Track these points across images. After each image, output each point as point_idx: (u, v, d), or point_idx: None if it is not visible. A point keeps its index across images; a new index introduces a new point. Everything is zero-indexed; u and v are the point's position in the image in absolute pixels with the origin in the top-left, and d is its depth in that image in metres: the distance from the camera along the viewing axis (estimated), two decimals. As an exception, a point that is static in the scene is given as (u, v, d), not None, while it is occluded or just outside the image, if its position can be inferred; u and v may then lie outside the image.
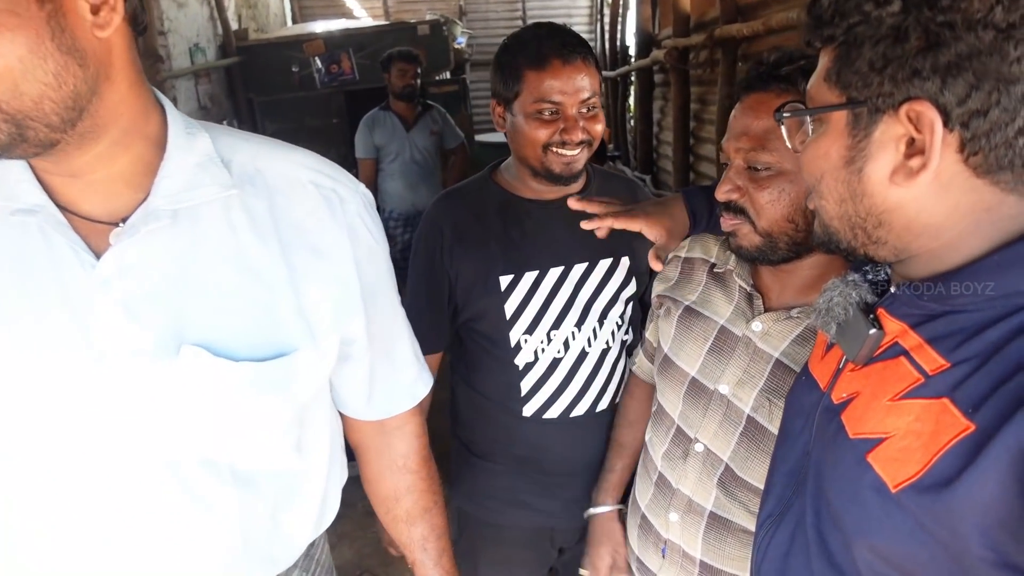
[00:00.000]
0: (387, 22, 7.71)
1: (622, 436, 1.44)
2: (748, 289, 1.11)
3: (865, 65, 0.62)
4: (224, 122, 5.39)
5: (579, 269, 1.44)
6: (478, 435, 1.55)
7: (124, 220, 0.76)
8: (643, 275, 1.51)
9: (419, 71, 4.07)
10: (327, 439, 0.99)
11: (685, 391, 1.17)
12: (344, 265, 0.87)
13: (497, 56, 1.39)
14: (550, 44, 1.32)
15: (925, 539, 0.61)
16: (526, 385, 1.45)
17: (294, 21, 8.52)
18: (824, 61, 0.66)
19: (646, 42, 5.98)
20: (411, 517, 1.10)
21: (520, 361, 1.44)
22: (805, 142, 0.70)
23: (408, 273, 1.52)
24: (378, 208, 3.98)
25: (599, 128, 1.36)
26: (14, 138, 0.66)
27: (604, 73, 8.03)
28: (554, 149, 1.33)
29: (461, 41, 7.13)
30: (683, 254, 1.26)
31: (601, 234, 1.22)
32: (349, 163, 5.43)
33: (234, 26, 5.84)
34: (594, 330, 1.45)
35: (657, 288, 1.30)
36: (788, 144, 0.75)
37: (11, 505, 0.81)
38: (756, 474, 1.07)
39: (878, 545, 0.65)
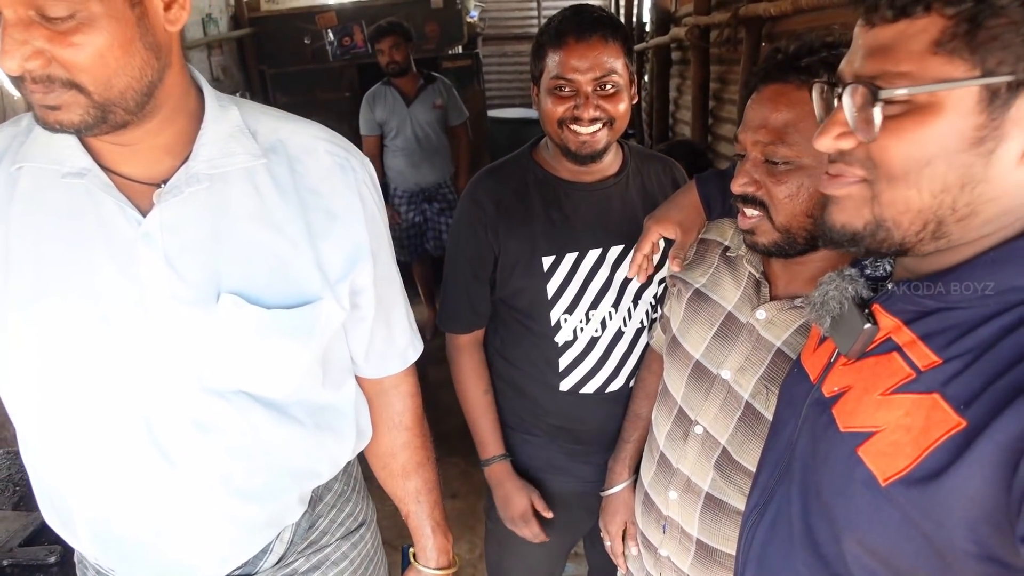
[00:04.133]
0: (400, -6, 7.59)
1: (639, 408, 1.47)
2: (757, 276, 1.11)
3: (1011, 33, 0.56)
4: (237, 94, 5.34)
5: (615, 251, 1.46)
6: (513, 406, 1.58)
7: (164, 182, 0.85)
8: None
9: (402, 42, 3.91)
10: (351, 378, 1.10)
11: (689, 373, 1.19)
12: (355, 224, 0.96)
13: (535, 38, 1.42)
14: (569, 23, 1.34)
15: (912, 533, 0.62)
16: (564, 361, 1.48)
17: (305, -8, 8.40)
18: (927, 30, 0.59)
19: (664, 19, 5.88)
20: (406, 471, 1.19)
21: (560, 339, 1.48)
22: (878, 127, 0.62)
23: (448, 253, 1.56)
24: (384, 185, 3.94)
25: (617, 108, 1.35)
26: (97, 120, 0.75)
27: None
28: (569, 126, 1.34)
29: (474, 15, 7.03)
30: (700, 234, 1.28)
31: (643, 277, 1.30)
32: (360, 137, 5.38)
33: (246, -4, 5.76)
34: (629, 310, 1.48)
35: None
36: (859, 132, 0.64)
37: (66, 437, 0.91)
38: (751, 458, 1.09)
39: (867, 538, 0.66)
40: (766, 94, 0.99)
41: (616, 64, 1.34)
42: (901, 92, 0.60)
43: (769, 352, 1.08)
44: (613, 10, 8.66)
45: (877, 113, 0.61)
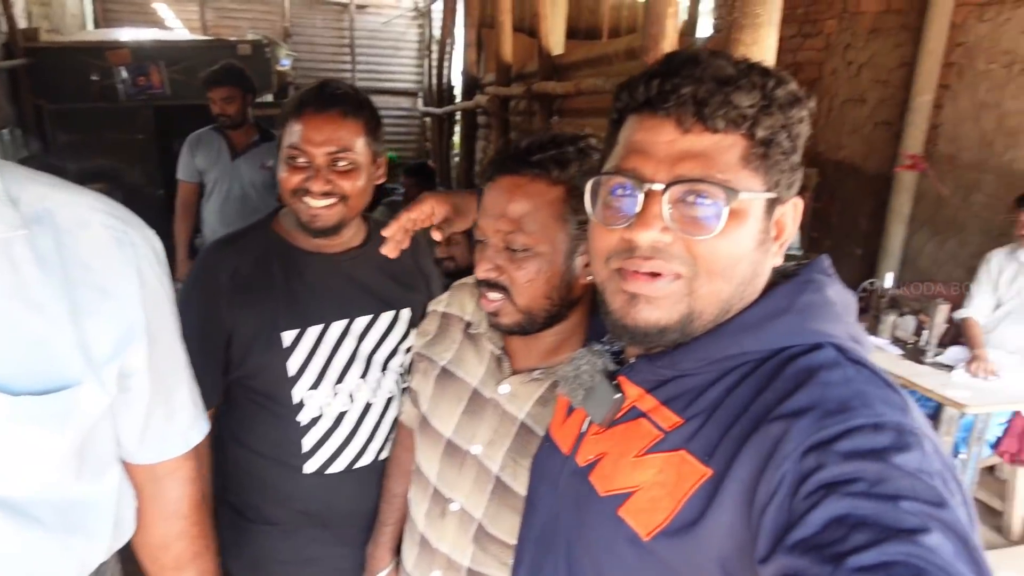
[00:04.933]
0: (204, 37, 7.33)
1: (395, 486, 1.42)
2: (498, 352, 1.15)
3: (784, 161, 0.71)
4: (5, 131, 4.83)
5: (362, 322, 1.44)
6: (254, 498, 1.46)
7: None
8: None
9: (238, 95, 3.54)
10: (115, 466, 0.99)
11: (442, 452, 1.19)
12: (130, 302, 0.89)
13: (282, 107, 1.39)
14: (311, 94, 1.33)
15: None
16: (309, 441, 1.41)
17: (96, 25, 7.83)
18: (736, 146, 0.69)
19: (471, 85, 6.18)
20: (179, 564, 1.08)
21: (304, 417, 1.40)
22: (722, 226, 0.69)
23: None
24: (199, 237, 3.49)
25: (352, 185, 1.34)
26: None
27: (431, 110, 8.21)
28: (302, 198, 1.31)
29: (285, 63, 6.93)
30: (441, 308, 1.29)
31: (392, 252, 1.24)
32: (155, 182, 5.06)
33: (22, 24, 5.28)
34: (378, 380, 1.45)
35: (416, 343, 1.32)
36: (689, 229, 0.69)
37: None
38: (504, 530, 1.11)
39: None
40: (503, 185, 1.04)
41: (354, 142, 1.33)
42: (747, 196, 0.68)
43: (514, 425, 1.11)
44: (424, 72, 8.94)
45: (724, 211, 0.67)
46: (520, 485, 1.07)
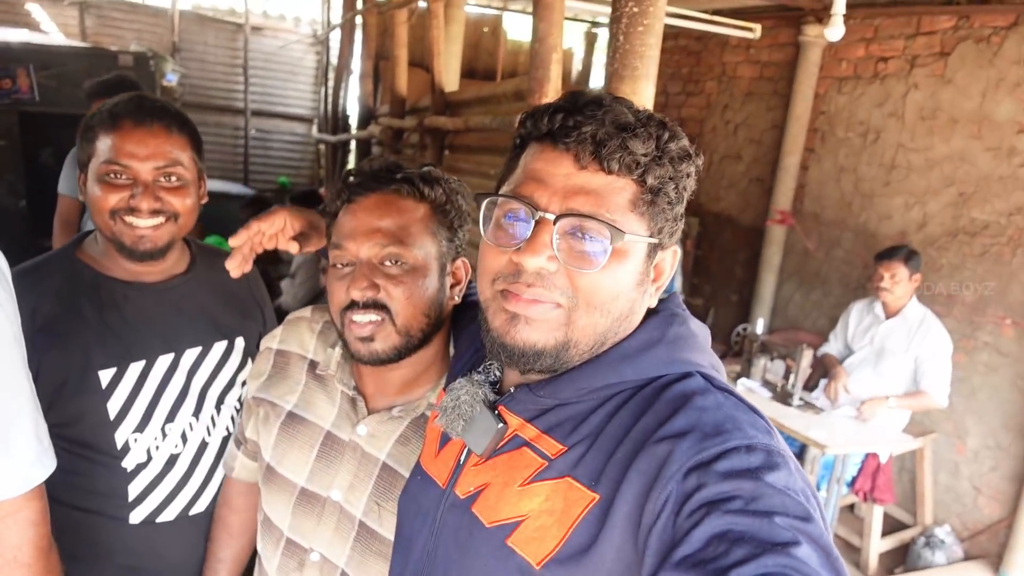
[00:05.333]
0: (82, 43, 6.91)
1: (221, 551, 1.32)
2: (351, 393, 1.09)
3: (668, 210, 0.75)
4: None
5: (192, 354, 1.33)
6: (69, 557, 1.24)
7: None
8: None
9: None
10: None
11: (295, 502, 1.10)
12: None
13: (84, 120, 1.27)
14: (127, 106, 1.23)
15: None
16: (136, 488, 1.28)
17: (-43, 20, 7.23)
18: (626, 189, 0.72)
19: (366, 115, 6.13)
20: None
21: (129, 463, 1.26)
22: (606, 261, 0.72)
23: None
24: None
25: (182, 203, 1.26)
26: None
27: (325, 137, 8.08)
28: (123, 217, 1.21)
29: (172, 78, 6.63)
30: (275, 345, 1.20)
31: (236, 269, 1.15)
32: (18, 193, 4.68)
33: None
34: (212, 418, 1.34)
35: (251, 386, 1.21)
36: (574, 262, 0.72)
37: None
38: (371, 574, 1.06)
39: None
40: (371, 202, 1.01)
41: (182, 156, 1.25)
42: (631, 238, 0.71)
43: (376, 467, 1.05)
44: (320, 99, 8.81)
45: (609, 249, 0.71)
46: (386, 529, 1.02)
